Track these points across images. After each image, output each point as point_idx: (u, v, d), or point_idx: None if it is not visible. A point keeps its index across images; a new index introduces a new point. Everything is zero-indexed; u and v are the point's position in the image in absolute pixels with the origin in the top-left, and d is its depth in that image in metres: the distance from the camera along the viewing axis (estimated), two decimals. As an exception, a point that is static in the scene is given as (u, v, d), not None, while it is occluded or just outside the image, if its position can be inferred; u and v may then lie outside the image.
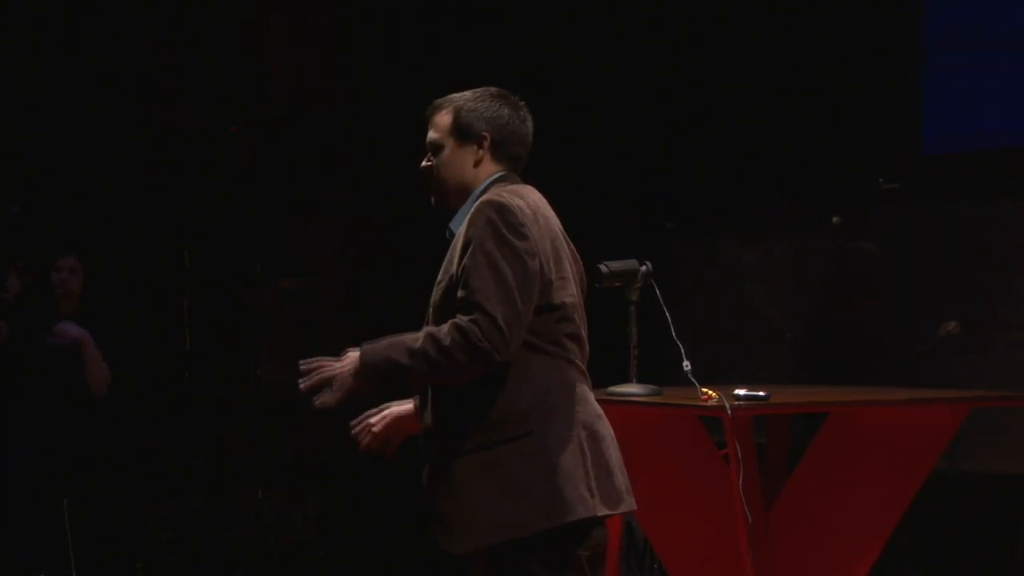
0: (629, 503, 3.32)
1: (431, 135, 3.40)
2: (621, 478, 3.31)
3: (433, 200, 3.42)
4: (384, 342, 3.23)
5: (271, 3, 8.50)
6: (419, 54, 8.11)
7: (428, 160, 3.41)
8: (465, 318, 3.13)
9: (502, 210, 3.20)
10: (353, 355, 3.25)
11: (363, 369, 3.21)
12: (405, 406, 3.47)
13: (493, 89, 3.43)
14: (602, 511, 3.23)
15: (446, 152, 3.37)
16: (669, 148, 7.69)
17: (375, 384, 3.24)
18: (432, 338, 3.15)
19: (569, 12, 7.94)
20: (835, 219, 7.14)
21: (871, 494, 4.65)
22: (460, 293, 3.17)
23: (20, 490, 6.21)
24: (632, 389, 4.36)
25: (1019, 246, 6.66)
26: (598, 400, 4.28)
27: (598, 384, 4.32)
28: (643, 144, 7.76)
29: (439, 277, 3.30)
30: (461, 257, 3.21)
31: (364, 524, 7.94)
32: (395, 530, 7.68)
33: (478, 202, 3.26)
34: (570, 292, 3.29)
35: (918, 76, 7.08)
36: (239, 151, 8.21)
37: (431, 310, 3.30)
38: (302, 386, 3.26)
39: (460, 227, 3.30)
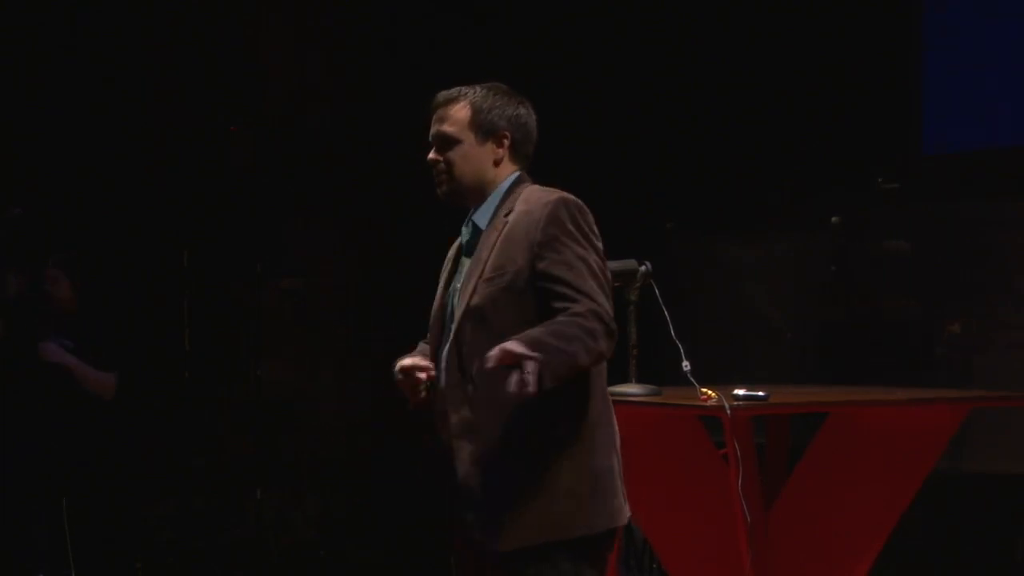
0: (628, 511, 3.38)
1: (444, 128, 3.32)
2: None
3: (443, 194, 3.35)
4: (534, 339, 3.00)
5: (271, 3, 8.50)
6: (419, 54, 8.11)
7: (436, 153, 3.34)
8: (583, 308, 3.10)
9: (583, 211, 3.23)
10: (523, 348, 2.97)
11: (547, 370, 2.97)
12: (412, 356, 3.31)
13: (501, 85, 3.39)
14: (626, 519, 3.30)
15: (464, 147, 3.31)
16: (669, 148, 7.69)
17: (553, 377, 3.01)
18: (580, 327, 3.05)
19: (569, 12, 7.94)
20: (835, 219, 7.14)
21: (871, 494, 4.65)
22: (558, 288, 3.12)
23: (20, 490, 6.21)
24: (632, 389, 4.36)
25: (1019, 246, 6.66)
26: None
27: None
28: (643, 144, 7.75)
29: (483, 272, 3.20)
30: (532, 252, 3.15)
31: (364, 524, 7.94)
32: (395, 530, 7.68)
33: (552, 199, 3.21)
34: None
35: (918, 76, 7.08)
36: (239, 151, 8.21)
37: (468, 307, 3.20)
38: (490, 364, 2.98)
39: (502, 221, 3.24)
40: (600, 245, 3.23)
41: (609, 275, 3.22)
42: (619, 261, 4.43)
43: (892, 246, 6.84)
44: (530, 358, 2.94)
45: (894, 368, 6.59)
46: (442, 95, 3.37)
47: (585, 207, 3.24)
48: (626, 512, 3.28)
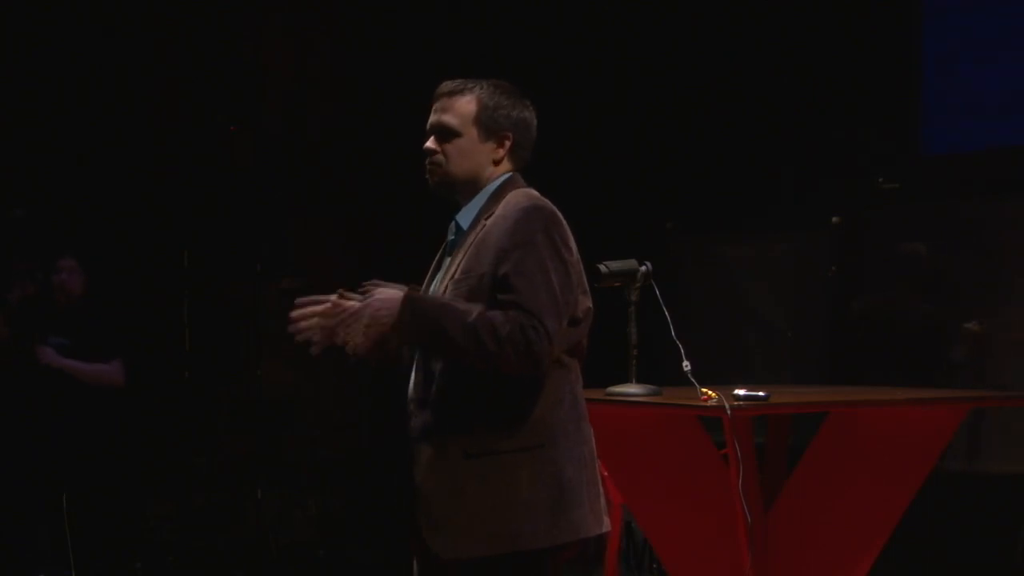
0: (607, 524, 3.27)
1: (446, 119, 3.24)
2: (603, 499, 3.26)
3: (434, 185, 3.28)
4: (435, 301, 3.09)
5: (271, 3, 8.50)
6: (420, 54, 8.11)
7: (435, 143, 3.26)
8: (513, 314, 3.02)
9: (555, 221, 3.13)
10: (391, 296, 3.09)
11: (407, 324, 3.04)
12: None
13: (506, 84, 3.31)
14: (594, 531, 3.19)
15: (464, 141, 3.23)
16: (669, 148, 7.69)
17: (413, 343, 3.07)
18: (489, 322, 3.01)
19: (570, 12, 7.94)
20: (835, 219, 7.15)
21: (871, 494, 4.65)
22: (508, 296, 3.04)
23: (20, 489, 6.21)
24: (632, 389, 4.36)
25: (1019, 246, 6.66)
26: (597, 400, 4.29)
27: (598, 384, 4.33)
28: (643, 144, 7.76)
29: (455, 273, 3.16)
30: (497, 258, 3.09)
31: (364, 524, 7.94)
32: (395, 530, 7.67)
33: (525, 206, 3.14)
34: (588, 300, 3.22)
35: (918, 76, 7.08)
36: (239, 151, 8.22)
37: None
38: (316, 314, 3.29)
39: (480, 224, 3.19)
40: (570, 258, 3.13)
41: (571, 288, 3.11)
42: (619, 261, 4.43)
43: (907, 248, 6.78)
44: (357, 314, 3.14)
45: (894, 368, 6.59)
46: (447, 85, 3.29)
47: (558, 217, 3.15)
48: (593, 523, 3.16)
